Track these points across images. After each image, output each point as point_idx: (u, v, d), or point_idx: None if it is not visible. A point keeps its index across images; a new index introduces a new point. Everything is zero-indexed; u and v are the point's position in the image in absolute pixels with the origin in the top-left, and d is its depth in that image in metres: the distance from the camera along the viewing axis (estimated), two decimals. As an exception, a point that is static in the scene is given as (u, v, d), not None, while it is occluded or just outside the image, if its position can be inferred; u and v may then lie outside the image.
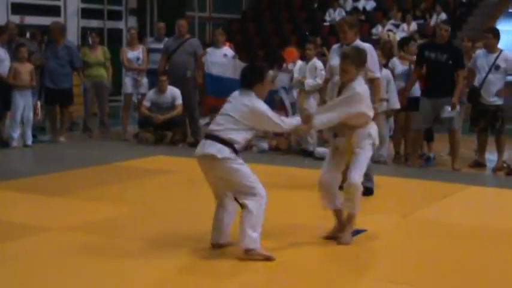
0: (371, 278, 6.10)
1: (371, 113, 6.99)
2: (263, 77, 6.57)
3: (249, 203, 6.31)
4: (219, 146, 6.37)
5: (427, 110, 11.19)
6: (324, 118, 6.74)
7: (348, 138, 6.86)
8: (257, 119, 6.44)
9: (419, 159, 11.79)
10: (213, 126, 6.60)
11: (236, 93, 6.64)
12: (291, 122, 6.79)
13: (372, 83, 9.21)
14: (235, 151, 6.39)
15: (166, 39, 14.47)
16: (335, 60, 9.32)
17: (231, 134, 6.38)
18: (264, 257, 6.28)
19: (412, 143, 11.67)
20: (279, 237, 7.03)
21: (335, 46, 9.66)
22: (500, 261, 6.62)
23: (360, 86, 6.89)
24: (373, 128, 7.01)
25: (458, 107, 11.14)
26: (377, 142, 7.09)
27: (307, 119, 6.68)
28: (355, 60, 6.89)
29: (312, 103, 12.13)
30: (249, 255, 6.27)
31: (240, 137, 6.40)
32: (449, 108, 10.96)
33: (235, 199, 6.50)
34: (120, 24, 22.15)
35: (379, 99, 9.61)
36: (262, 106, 6.43)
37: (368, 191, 9.24)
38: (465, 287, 5.85)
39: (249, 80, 6.54)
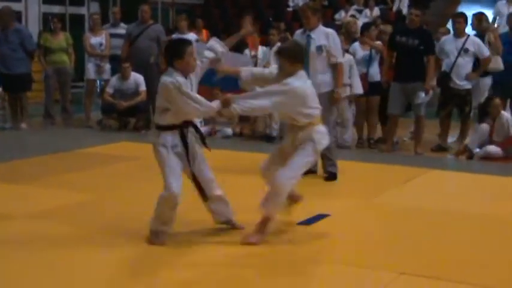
0: (331, 262, 6.12)
1: (313, 115, 6.52)
2: (181, 52, 6.29)
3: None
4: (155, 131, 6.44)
5: (398, 94, 11.26)
6: (246, 104, 6.43)
7: (290, 139, 6.60)
8: (172, 98, 6.25)
9: (392, 145, 11.84)
10: None
11: None
12: (211, 105, 6.44)
13: (335, 68, 9.28)
14: (164, 136, 6.37)
15: (122, 24, 14.47)
16: None
17: (158, 117, 6.43)
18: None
19: (388, 129, 11.74)
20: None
21: (298, 32, 9.69)
22: (460, 242, 6.70)
23: (298, 81, 6.44)
24: (318, 132, 6.51)
25: (431, 92, 11.27)
26: (321, 147, 6.58)
27: (225, 102, 6.39)
28: (290, 56, 6.57)
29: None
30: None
31: (163, 119, 6.39)
32: (423, 94, 11.05)
33: None
34: (82, 10, 21.97)
35: (341, 84, 9.67)
36: (176, 84, 6.21)
37: (332, 176, 9.33)
38: (426, 269, 5.87)
39: (168, 57, 6.44)
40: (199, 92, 13.40)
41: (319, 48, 9.22)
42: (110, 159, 10.63)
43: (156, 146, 6.41)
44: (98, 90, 14.70)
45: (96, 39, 14.12)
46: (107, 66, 14.17)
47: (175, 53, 6.33)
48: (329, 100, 9.21)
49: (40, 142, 12.25)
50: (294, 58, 6.56)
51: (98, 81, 14.46)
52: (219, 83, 13.50)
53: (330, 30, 9.49)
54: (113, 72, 13.96)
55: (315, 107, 6.54)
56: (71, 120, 14.27)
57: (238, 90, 13.35)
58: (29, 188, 8.67)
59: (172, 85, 6.20)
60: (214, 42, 6.86)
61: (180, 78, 6.25)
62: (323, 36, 9.31)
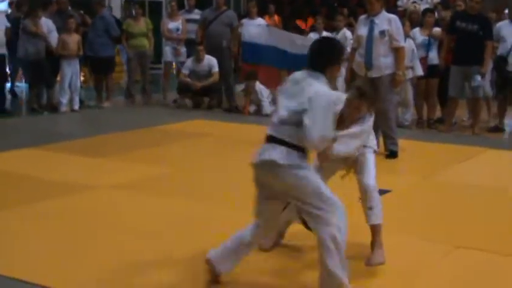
0: (393, 232, 6.11)
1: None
2: (340, 59, 4.98)
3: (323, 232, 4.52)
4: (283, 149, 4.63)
5: (457, 77, 11.15)
6: (341, 148, 4.97)
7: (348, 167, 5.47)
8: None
9: (451, 125, 11.75)
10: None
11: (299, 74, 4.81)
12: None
13: (397, 51, 9.24)
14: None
15: (196, 10, 14.55)
16: (362, 30, 9.36)
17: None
18: None
19: (447, 110, 11.65)
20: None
21: (362, 17, 9.63)
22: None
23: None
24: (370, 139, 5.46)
25: (486, 76, 11.16)
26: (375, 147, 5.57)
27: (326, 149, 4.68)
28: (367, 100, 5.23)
29: (342, 70, 12.09)
30: None
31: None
32: (479, 77, 10.95)
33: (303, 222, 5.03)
34: (160, -3, 22.15)
35: (403, 67, 9.62)
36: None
37: (393, 154, 9.30)
38: (481, 243, 5.85)
39: (322, 59, 4.77)
40: (242, 69, 13.14)
41: (382, 33, 9.19)
42: (185, 136, 10.76)
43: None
44: (174, 71, 14.78)
45: (174, 24, 14.21)
46: (183, 49, 14.26)
47: (336, 58, 4.88)
48: (391, 82, 9.20)
49: (122, 119, 12.43)
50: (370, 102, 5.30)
51: (175, 63, 14.54)
52: (249, 59, 13.66)
53: (393, 16, 9.45)
54: (188, 55, 14.06)
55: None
56: (150, 99, 14.42)
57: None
58: (112, 161, 8.85)
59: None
60: None
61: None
62: (386, 21, 9.27)
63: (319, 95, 4.49)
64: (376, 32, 9.21)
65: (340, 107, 4.62)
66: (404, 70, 9.73)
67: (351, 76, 9.66)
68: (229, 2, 20.83)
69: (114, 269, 5.12)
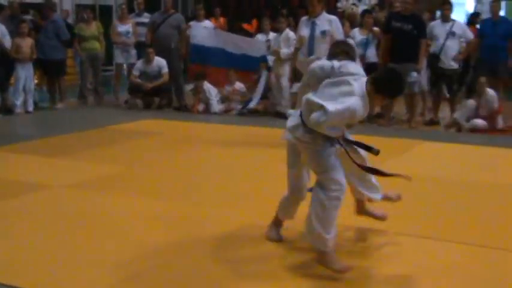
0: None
1: None
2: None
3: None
4: None
5: None
6: None
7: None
8: None
9: (390, 119, 11.83)
10: None
11: None
12: None
13: None
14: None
15: (145, 13, 14.46)
16: (304, 31, 9.37)
17: None
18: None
19: (385, 105, 11.71)
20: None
21: (304, 18, 9.66)
22: (455, 206, 6.67)
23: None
24: None
25: (422, 72, 11.30)
26: None
27: None
28: None
29: (286, 69, 12.17)
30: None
31: None
32: (415, 74, 11.08)
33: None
34: (110, 1, 21.90)
35: None
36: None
37: None
38: (425, 231, 5.85)
39: (381, 88, 4.68)
40: (191, 69, 13.13)
41: (323, 33, 9.27)
42: (137, 135, 10.63)
43: None
44: (125, 73, 14.64)
45: (124, 27, 14.06)
46: (133, 52, 14.13)
47: (391, 92, 4.83)
48: None
49: (75, 120, 12.27)
50: None
51: (125, 65, 14.40)
52: (197, 60, 13.71)
53: (333, 17, 9.54)
54: (138, 56, 13.95)
55: None
56: (102, 100, 14.25)
57: (253, 71, 13.41)
58: (67, 161, 8.67)
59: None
60: None
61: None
62: (326, 22, 9.34)
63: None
64: (318, 32, 9.27)
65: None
66: None
67: (295, 75, 9.69)
68: (176, 5, 20.70)
69: (75, 268, 4.96)
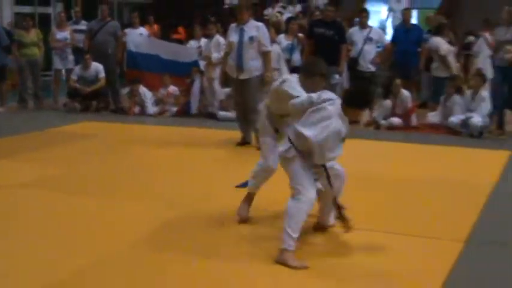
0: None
1: None
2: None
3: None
4: None
5: None
6: None
7: None
8: None
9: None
10: None
11: None
12: None
13: (265, 55, 9.42)
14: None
15: (83, 21, 14.39)
16: (234, 37, 9.47)
17: None
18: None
19: None
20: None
21: (233, 25, 9.73)
22: (379, 199, 6.81)
23: None
24: None
25: (344, 74, 11.53)
26: None
27: None
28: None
29: (217, 73, 12.27)
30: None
31: None
32: (337, 76, 11.27)
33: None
34: (49, 9, 21.61)
35: (271, 68, 9.77)
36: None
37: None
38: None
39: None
40: (127, 74, 13.06)
41: (251, 39, 9.35)
42: (76, 137, 10.55)
43: None
44: (64, 78, 14.50)
45: (62, 34, 13.96)
46: (71, 57, 14.03)
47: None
48: (260, 82, 9.35)
49: (15, 123, 12.09)
50: None
51: (64, 70, 14.27)
52: (133, 66, 13.75)
53: (260, 24, 9.66)
54: (76, 62, 13.86)
55: None
56: (42, 104, 14.07)
57: (186, 76, 13.44)
58: (9, 162, 8.59)
59: None
60: None
61: None
62: (254, 28, 9.44)
63: None
64: (246, 38, 9.35)
65: None
66: (271, 71, 9.88)
67: (225, 78, 9.81)
68: (113, 13, 20.54)
69: (27, 268, 4.93)
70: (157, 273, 4.79)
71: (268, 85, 9.80)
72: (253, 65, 9.40)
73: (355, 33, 12.18)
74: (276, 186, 5.88)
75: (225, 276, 4.74)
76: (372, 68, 12.04)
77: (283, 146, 5.22)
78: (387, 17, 19.83)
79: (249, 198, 6.07)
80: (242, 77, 9.41)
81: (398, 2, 18.63)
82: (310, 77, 5.45)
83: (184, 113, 12.76)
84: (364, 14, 12.36)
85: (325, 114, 5.00)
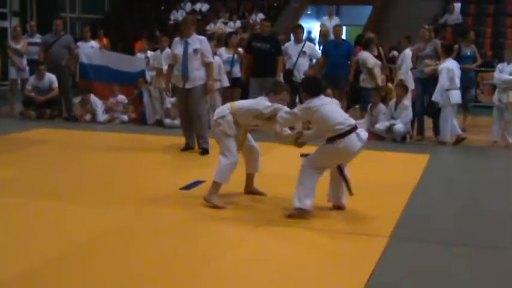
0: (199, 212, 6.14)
1: None
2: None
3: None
4: None
5: (256, 87, 11.35)
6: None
7: None
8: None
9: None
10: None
11: None
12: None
13: (208, 66, 9.41)
14: None
15: (37, 34, 14.15)
16: (178, 50, 9.39)
17: None
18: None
19: None
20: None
21: (177, 39, 9.69)
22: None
23: None
24: None
25: None
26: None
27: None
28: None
29: (162, 84, 12.19)
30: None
31: None
32: None
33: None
34: (6, 24, 21.24)
35: (213, 78, 9.78)
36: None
37: (205, 151, 9.38)
38: (281, 221, 5.98)
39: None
40: (80, 84, 12.93)
41: (195, 51, 9.35)
42: (31, 143, 10.31)
43: None
44: (19, 87, 14.21)
45: (17, 47, 13.69)
46: (26, 68, 13.77)
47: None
48: (203, 91, 9.32)
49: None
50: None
51: (19, 80, 13.98)
52: (85, 76, 13.59)
53: (202, 37, 9.65)
54: (31, 72, 13.61)
55: None
56: (-1, 112, 13.81)
57: (133, 85, 13.26)
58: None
59: None
60: None
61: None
62: (197, 41, 9.43)
63: None
64: (190, 50, 9.32)
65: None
66: (214, 81, 9.83)
67: (172, 89, 9.77)
68: (66, 27, 20.28)
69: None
70: (106, 273, 4.68)
71: (210, 93, 9.86)
72: (198, 74, 9.36)
73: (290, 47, 12.23)
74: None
75: (172, 270, 4.66)
76: (305, 79, 12.09)
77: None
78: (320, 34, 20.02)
79: (217, 189, 6.46)
80: (187, 86, 9.36)
81: (330, 19, 18.80)
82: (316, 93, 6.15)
83: (141, 122, 12.59)
84: (299, 29, 12.43)
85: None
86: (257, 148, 6.89)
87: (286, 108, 6.29)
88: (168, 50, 12.35)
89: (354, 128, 5.97)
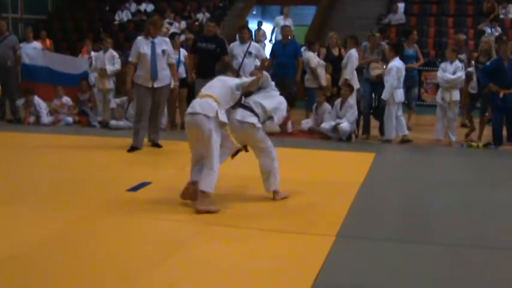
0: (153, 217, 6.11)
1: None
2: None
3: None
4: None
5: (201, 87, 11.28)
6: None
7: None
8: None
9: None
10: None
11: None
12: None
13: (172, 66, 10.02)
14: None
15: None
16: (144, 49, 9.60)
17: None
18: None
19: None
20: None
21: (140, 38, 9.80)
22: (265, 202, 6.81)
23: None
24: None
25: None
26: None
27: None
28: None
29: (111, 84, 12.47)
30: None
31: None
32: None
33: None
34: None
35: (176, 79, 10.34)
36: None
37: (158, 145, 9.92)
38: (230, 221, 5.98)
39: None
40: (23, 85, 12.72)
41: (164, 52, 9.68)
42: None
43: None
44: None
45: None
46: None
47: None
48: (169, 90, 10.05)
49: None
50: None
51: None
52: (28, 77, 13.37)
53: (166, 38, 10.19)
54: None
55: None
56: None
57: (76, 87, 13.09)
58: None
59: None
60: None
61: None
62: (163, 42, 9.82)
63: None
64: (159, 50, 9.64)
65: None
66: (177, 80, 10.25)
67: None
68: (8, 28, 19.90)
69: None
70: (52, 276, 4.61)
71: (174, 92, 10.01)
72: (165, 74, 9.73)
73: (235, 47, 12.16)
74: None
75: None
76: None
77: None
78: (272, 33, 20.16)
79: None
80: (156, 85, 9.63)
81: (285, 20, 18.98)
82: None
83: (88, 124, 12.49)
84: (245, 30, 12.40)
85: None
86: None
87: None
88: (110, 51, 12.28)
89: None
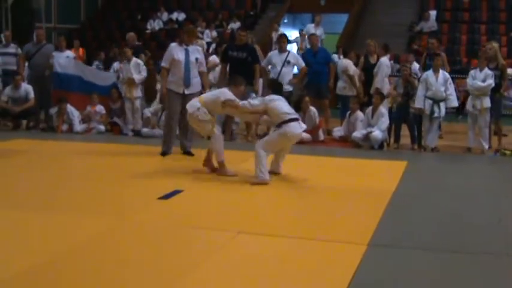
0: (185, 226, 6.13)
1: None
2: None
3: None
4: None
5: None
6: None
7: None
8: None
9: (231, 134, 11.91)
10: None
11: None
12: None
13: (203, 75, 10.07)
14: None
15: (12, 44, 14.05)
16: (179, 56, 9.74)
17: None
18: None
19: (227, 123, 11.77)
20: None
21: (174, 44, 9.97)
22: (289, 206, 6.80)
23: None
24: None
25: (265, 91, 11.64)
26: None
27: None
28: None
29: (139, 93, 12.54)
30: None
31: None
32: (254, 94, 11.18)
33: None
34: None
35: (208, 87, 10.15)
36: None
37: (190, 154, 9.99)
38: (260, 228, 5.98)
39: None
40: (54, 94, 12.88)
41: (196, 60, 9.80)
42: (6, 153, 10.24)
43: None
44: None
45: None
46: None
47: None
48: None
49: None
50: None
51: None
52: (60, 86, 13.48)
53: (199, 47, 10.17)
54: (5, 84, 13.52)
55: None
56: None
57: (108, 96, 13.23)
58: None
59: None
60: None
61: None
62: (196, 51, 9.96)
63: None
64: (192, 58, 9.79)
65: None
66: (208, 88, 10.15)
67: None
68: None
69: None
70: (87, 280, 4.65)
71: None
72: (197, 81, 9.86)
73: (274, 56, 12.14)
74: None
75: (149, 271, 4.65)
76: (290, 88, 11.93)
77: None
78: (299, 41, 20.08)
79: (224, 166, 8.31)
80: (187, 92, 9.69)
81: (316, 28, 18.89)
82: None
83: (120, 132, 12.65)
84: (283, 39, 12.38)
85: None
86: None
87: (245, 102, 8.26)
88: (134, 59, 12.39)
89: (296, 119, 8.05)
